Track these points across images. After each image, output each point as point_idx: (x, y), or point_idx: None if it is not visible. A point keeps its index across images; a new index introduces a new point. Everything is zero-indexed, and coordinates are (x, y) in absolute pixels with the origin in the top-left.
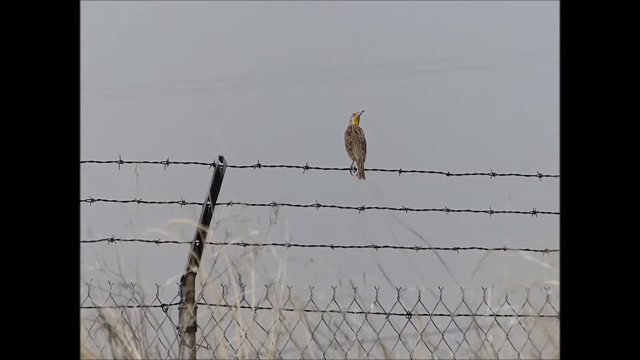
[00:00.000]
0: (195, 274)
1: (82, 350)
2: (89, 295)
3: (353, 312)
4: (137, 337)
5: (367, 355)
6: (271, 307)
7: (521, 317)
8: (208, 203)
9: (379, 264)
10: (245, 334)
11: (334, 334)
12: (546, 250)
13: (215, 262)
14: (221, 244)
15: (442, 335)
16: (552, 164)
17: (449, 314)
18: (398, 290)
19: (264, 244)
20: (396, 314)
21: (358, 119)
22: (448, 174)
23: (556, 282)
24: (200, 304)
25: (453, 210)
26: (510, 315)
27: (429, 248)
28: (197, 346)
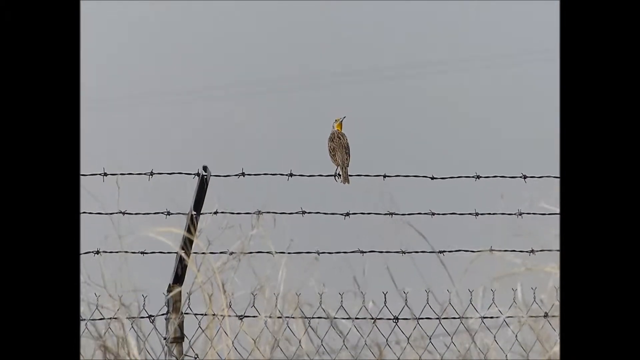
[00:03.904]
0: (182, 283)
1: None
2: None
3: (340, 318)
4: (125, 349)
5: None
6: (257, 314)
7: (509, 318)
8: (193, 213)
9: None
10: (232, 343)
11: (322, 340)
12: (532, 251)
13: (198, 270)
14: (208, 253)
15: (430, 339)
16: (540, 165)
17: (437, 317)
18: (385, 295)
19: (250, 252)
20: (383, 319)
21: (340, 124)
22: (432, 178)
23: (541, 282)
24: (186, 313)
25: (438, 214)
26: (498, 317)
27: (415, 252)
28: (184, 356)
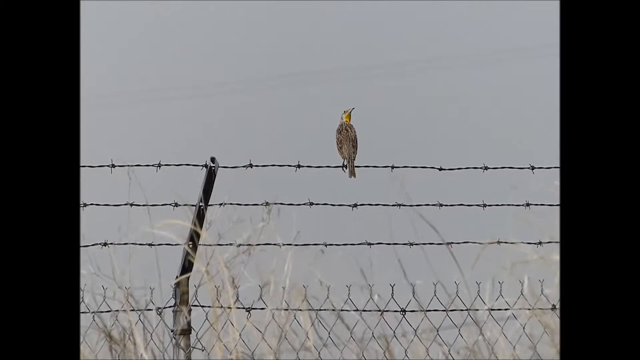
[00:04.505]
0: (189, 276)
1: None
2: (82, 300)
3: (347, 310)
4: (132, 341)
5: (362, 353)
6: (265, 307)
7: (516, 310)
8: (201, 204)
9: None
10: (240, 335)
11: (329, 333)
12: (540, 243)
13: (208, 264)
14: (214, 245)
15: (437, 331)
16: (546, 157)
17: (444, 309)
18: (392, 287)
19: (257, 244)
20: (390, 311)
21: (349, 116)
22: (440, 169)
23: (549, 274)
24: (194, 306)
25: (446, 205)
26: (506, 309)
27: (422, 244)
28: (191, 348)
